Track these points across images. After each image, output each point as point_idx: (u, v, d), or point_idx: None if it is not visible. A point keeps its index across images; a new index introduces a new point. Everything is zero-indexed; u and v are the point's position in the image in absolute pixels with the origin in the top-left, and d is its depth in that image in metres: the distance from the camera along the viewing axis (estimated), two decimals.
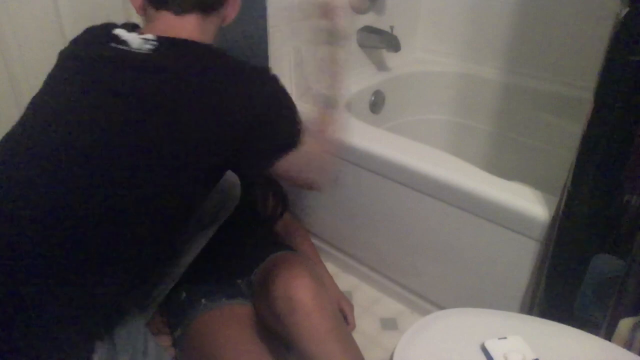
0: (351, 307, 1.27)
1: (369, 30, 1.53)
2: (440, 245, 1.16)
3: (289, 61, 1.34)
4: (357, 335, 1.24)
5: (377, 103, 1.60)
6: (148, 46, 0.71)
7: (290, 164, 0.79)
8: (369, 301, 1.33)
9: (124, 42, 0.72)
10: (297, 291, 0.89)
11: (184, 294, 1.09)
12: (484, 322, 0.79)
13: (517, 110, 1.58)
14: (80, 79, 0.73)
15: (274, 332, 0.98)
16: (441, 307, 1.23)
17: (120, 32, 0.74)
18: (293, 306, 0.89)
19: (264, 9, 1.23)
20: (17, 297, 0.62)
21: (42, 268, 0.63)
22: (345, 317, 1.24)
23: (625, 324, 0.89)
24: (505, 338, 0.73)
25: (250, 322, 1.03)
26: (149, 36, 0.73)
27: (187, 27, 0.76)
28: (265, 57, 1.30)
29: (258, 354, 0.97)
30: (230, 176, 1.07)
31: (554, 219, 0.93)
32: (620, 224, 0.85)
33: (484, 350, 0.72)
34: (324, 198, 1.38)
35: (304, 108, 1.37)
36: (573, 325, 0.79)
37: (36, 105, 0.74)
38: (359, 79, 1.57)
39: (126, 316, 0.86)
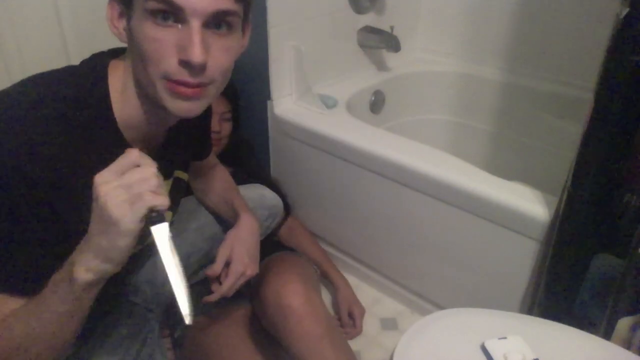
0: (362, 311, 1.26)
1: (369, 30, 1.53)
2: (440, 245, 1.16)
3: (289, 61, 1.35)
4: (357, 336, 1.24)
5: (377, 103, 1.60)
6: None
7: None
8: (369, 301, 1.33)
9: None
10: (288, 297, 0.89)
11: None
12: (484, 322, 0.79)
13: (517, 110, 1.58)
14: None
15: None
16: (441, 307, 1.23)
17: None
18: (284, 313, 0.88)
19: (264, 9, 1.23)
20: None
21: None
22: (354, 321, 1.24)
23: (623, 324, 0.89)
24: (505, 338, 0.73)
25: (250, 323, 1.03)
26: None
27: None
28: (265, 57, 1.30)
29: (257, 355, 0.97)
30: (268, 207, 1.11)
31: (554, 219, 0.93)
32: (620, 224, 0.85)
33: (484, 350, 0.72)
34: (323, 199, 1.38)
35: (304, 108, 1.38)
36: (573, 325, 0.79)
37: None
38: (359, 79, 1.57)
39: (126, 320, 0.86)
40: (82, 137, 0.61)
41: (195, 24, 0.58)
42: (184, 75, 0.60)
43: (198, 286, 1.09)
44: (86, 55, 0.70)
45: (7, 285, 0.59)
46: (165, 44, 0.59)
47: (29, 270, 0.60)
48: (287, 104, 1.39)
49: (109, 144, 0.65)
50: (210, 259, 1.07)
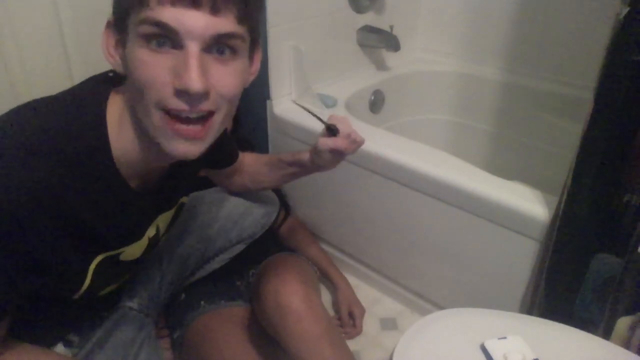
0: (362, 311, 1.26)
1: (368, 29, 1.53)
2: (440, 245, 1.16)
3: (288, 61, 1.34)
4: (357, 336, 1.24)
5: (376, 103, 1.60)
6: None
7: None
8: (369, 301, 1.33)
9: None
10: (287, 297, 0.89)
11: (183, 295, 1.09)
12: (484, 322, 0.79)
13: (517, 110, 1.58)
14: None
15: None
16: (441, 307, 1.23)
17: None
18: (283, 313, 0.88)
19: (263, 8, 1.23)
20: None
21: None
22: (353, 321, 1.24)
23: (623, 323, 0.89)
24: (505, 338, 0.72)
25: (249, 325, 1.02)
26: None
27: None
28: (265, 57, 1.30)
29: (256, 355, 0.96)
30: (264, 204, 1.11)
31: (554, 219, 0.93)
32: (620, 224, 0.85)
33: (484, 350, 0.72)
34: (323, 199, 1.38)
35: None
36: (573, 325, 0.79)
37: None
38: (359, 78, 1.57)
39: (123, 325, 0.86)
40: (74, 171, 0.56)
41: (193, 48, 0.52)
42: (181, 105, 0.54)
43: (196, 287, 1.09)
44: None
45: None
46: (160, 70, 0.53)
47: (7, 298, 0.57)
48: (286, 103, 1.39)
49: (103, 180, 0.60)
50: (206, 260, 1.07)
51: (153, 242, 0.79)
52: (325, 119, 0.84)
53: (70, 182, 0.56)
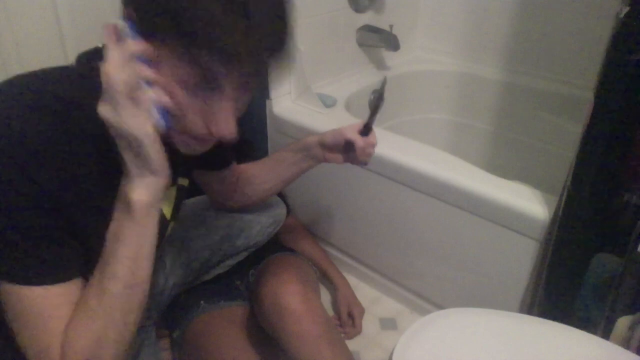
0: (361, 311, 1.26)
1: (368, 29, 1.53)
2: (440, 245, 1.16)
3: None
4: (356, 336, 1.24)
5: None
6: None
7: None
8: (369, 301, 1.33)
9: None
10: (285, 298, 0.89)
11: (182, 295, 1.08)
12: (484, 322, 0.79)
13: (517, 109, 1.58)
14: None
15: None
16: (441, 307, 1.23)
17: None
18: (282, 313, 0.88)
19: None
20: None
21: None
22: (353, 321, 1.24)
23: (622, 323, 0.89)
24: None
25: (249, 324, 1.02)
26: None
27: None
28: None
29: (256, 355, 0.96)
30: (271, 212, 1.12)
31: (554, 219, 0.93)
32: (620, 224, 0.85)
33: None
34: (323, 199, 1.38)
35: (303, 107, 1.37)
36: (573, 325, 0.79)
37: None
38: (358, 78, 1.57)
39: None
40: (75, 135, 0.58)
41: (229, 93, 0.55)
42: (206, 136, 0.58)
43: (196, 286, 1.09)
44: None
45: (51, 276, 0.57)
46: (192, 110, 0.56)
47: (57, 254, 0.57)
48: (285, 103, 1.39)
49: (101, 147, 0.60)
50: (210, 267, 1.06)
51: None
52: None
53: (69, 142, 0.57)
